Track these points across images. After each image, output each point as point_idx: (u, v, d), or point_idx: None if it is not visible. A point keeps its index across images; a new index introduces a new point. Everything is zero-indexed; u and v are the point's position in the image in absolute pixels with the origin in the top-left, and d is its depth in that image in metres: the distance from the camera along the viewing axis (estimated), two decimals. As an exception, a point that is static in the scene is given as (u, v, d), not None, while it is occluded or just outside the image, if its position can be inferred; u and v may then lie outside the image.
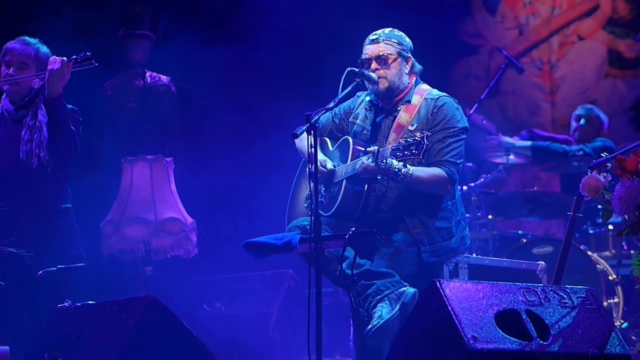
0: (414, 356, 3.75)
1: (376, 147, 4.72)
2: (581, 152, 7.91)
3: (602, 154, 4.14)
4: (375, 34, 5.11)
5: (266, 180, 7.28)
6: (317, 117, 4.54)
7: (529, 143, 8.06)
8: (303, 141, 4.97)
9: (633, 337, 6.89)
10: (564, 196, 7.85)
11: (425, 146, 4.52)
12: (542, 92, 10.22)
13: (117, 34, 7.62)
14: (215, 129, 8.15)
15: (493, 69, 8.74)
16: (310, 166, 4.52)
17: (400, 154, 4.57)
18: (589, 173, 3.97)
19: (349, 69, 4.87)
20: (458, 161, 4.94)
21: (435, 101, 5.03)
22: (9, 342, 4.91)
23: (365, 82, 5.03)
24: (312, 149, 4.45)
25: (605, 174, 3.94)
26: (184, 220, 6.50)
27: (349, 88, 4.86)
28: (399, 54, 5.06)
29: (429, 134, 4.63)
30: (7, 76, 5.35)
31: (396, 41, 5.07)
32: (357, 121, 5.22)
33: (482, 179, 7.93)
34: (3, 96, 5.47)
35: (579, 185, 3.99)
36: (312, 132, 4.46)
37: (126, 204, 6.46)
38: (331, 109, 4.92)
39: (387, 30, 5.13)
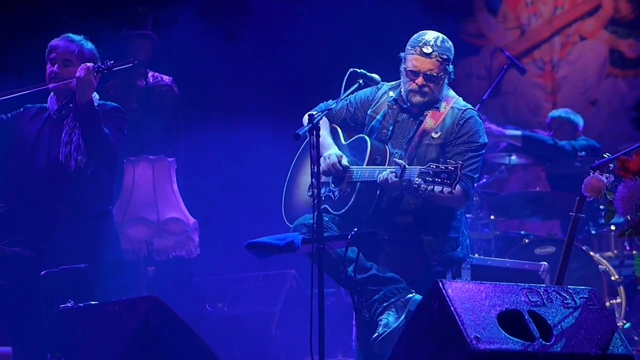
0: (416, 356, 3.75)
1: (403, 163, 4.64)
2: (568, 148, 7.94)
3: (604, 155, 4.14)
4: (429, 46, 4.91)
5: (269, 181, 7.27)
6: (319, 117, 4.53)
7: (519, 132, 8.05)
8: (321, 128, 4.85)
9: (636, 338, 6.88)
10: (566, 196, 7.84)
11: (458, 178, 4.42)
12: (543, 92, 10.22)
13: (119, 34, 7.62)
14: (218, 129, 8.15)
15: (495, 69, 8.74)
16: (312, 167, 4.49)
17: (430, 179, 4.47)
18: (591, 173, 3.97)
19: (351, 69, 4.84)
20: (475, 175, 4.94)
21: (463, 112, 4.99)
22: (11, 342, 4.92)
23: (368, 82, 4.99)
24: (314, 150, 4.43)
25: (607, 175, 3.94)
26: (186, 221, 6.50)
27: (352, 88, 4.84)
28: (445, 70, 4.98)
29: (462, 163, 4.53)
30: (52, 74, 5.34)
31: (446, 57, 4.94)
32: (377, 117, 5.14)
33: (484, 180, 7.93)
34: (50, 95, 5.46)
35: (572, 184, 3.99)
36: (315, 132, 4.45)
37: (128, 204, 6.47)
38: (332, 109, 4.90)
39: (439, 39, 4.95)
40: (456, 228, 5.01)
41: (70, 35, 5.42)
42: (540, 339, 3.63)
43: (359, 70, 4.89)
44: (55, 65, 5.33)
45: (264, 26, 8.76)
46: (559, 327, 3.70)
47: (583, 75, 10.07)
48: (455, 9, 10.52)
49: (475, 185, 5.01)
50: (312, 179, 4.62)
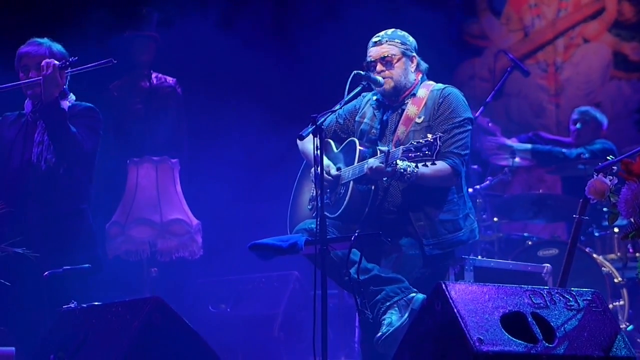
0: (419, 358, 3.75)
1: (386, 148, 4.71)
2: (581, 156, 7.91)
3: (607, 157, 4.13)
4: (378, 36, 5.12)
5: (272, 182, 7.28)
6: (322, 119, 4.54)
7: (529, 146, 8.06)
8: (307, 143, 4.98)
9: (639, 340, 6.88)
10: (569, 198, 7.84)
11: (438, 147, 4.51)
12: (547, 94, 10.21)
13: (123, 35, 7.63)
14: (221, 130, 8.16)
15: (498, 71, 8.72)
16: (316, 168, 4.51)
17: (413, 155, 4.56)
18: (594, 176, 3.96)
19: (355, 71, 4.88)
20: (463, 152, 4.94)
21: (442, 91, 5.06)
22: (14, 343, 4.92)
23: (371, 85, 5.03)
24: (318, 151, 4.45)
25: (611, 177, 3.93)
26: (190, 222, 6.50)
27: (355, 91, 4.86)
28: (403, 54, 5.08)
29: (442, 134, 4.61)
30: (28, 80, 5.36)
31: (399, 41, 5.09)
32: (365, 120, 5.22)
33: (487, 182, 7.93)
34: (27, 100, 5.50)
35: (585, 188, 3.98)
36: (318, 134, 4.46)
37: (132, 205, 6.47)
38: (337, 111, 4.92)
39: (389, 31, 5.14)
40: (453, 211, 5.00)
41: (36, 39, 5.47)
42: (543, 341, 3.62)
43: (362, 73, 4.94)
44: (31, 72, 5.36)
45: (269, 28, 8.76)
46: (562, 329, 3.70)
47: (586, 78, 10.06)
48: (458, 10, 10.53)
49: (465, 162, 4.98)
50: (314, 183, 4.64)
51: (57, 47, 5.45)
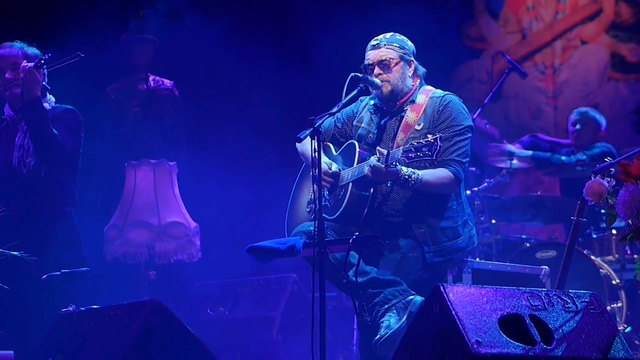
0: (417, 361, 3.76)
1: (386, 150, 4.71)
2: (581, 162, 7.90)
3: (605, 159, 4.13)
4: (377, 39, 5.11)
5: (270, 184, 7.28)
6: (320, 121, 4.54)
7: (529, 153, 8.06)
8: (305, 145, 4.97)
9: (637, 342, 6.89)
10: (567, 200, 7.84)
11: (438, 148, 4.51)
12: (544, 96, 10.22)
13: (121, 38, 7.63)
14: (219, 133, 8.16)
15: (496, 73, 8.73)
16: (313, 170, 4.51)
17: (413, 155, 4.55)
18: (592, 178, 3.96)
19: (352, 74, 4.88)
20: (464, 160, 4.95)
21: (441, 99, 5.04)
22: (13, 346, 4.92)
23: (369, 88, 5.03)
24: (316, 153, 4.45)
25: (609, 179, 3.94)
26: (188, 225, 6.51)
27: (353, 93, 4.86)
28: (401, 58, 5.07)
29: (442, 135, 4.61)
30: (5, 81, 5.36)
31: (397, 45, 5.08)
32: (362, 124, 5.22)
33: (485, 184, 7.93)
34: (6, 104, 5.49)
35: (583, 190, 3.98)
36: (316, 136, 4.46)
37: (130, 208, 6.47)
38: (334, 113, 4.92)
39: (388, 35, 5.13)
40: (452, 218, 5.00)
41: (7, 43, 5.45)
42: (542, 343, 3.62)
43: (360, 75, 4.93)
44: (7, 73, 5.36)
45: (267, 30, 8.76)
46: (560, 331, 3.70)
47: (584, 79, 10.06)
48: (456, 12, 10.54)
49: (466, 170, 4.99)
50: (312, 184, 4.63)
51: (30, 49, 5.44)
